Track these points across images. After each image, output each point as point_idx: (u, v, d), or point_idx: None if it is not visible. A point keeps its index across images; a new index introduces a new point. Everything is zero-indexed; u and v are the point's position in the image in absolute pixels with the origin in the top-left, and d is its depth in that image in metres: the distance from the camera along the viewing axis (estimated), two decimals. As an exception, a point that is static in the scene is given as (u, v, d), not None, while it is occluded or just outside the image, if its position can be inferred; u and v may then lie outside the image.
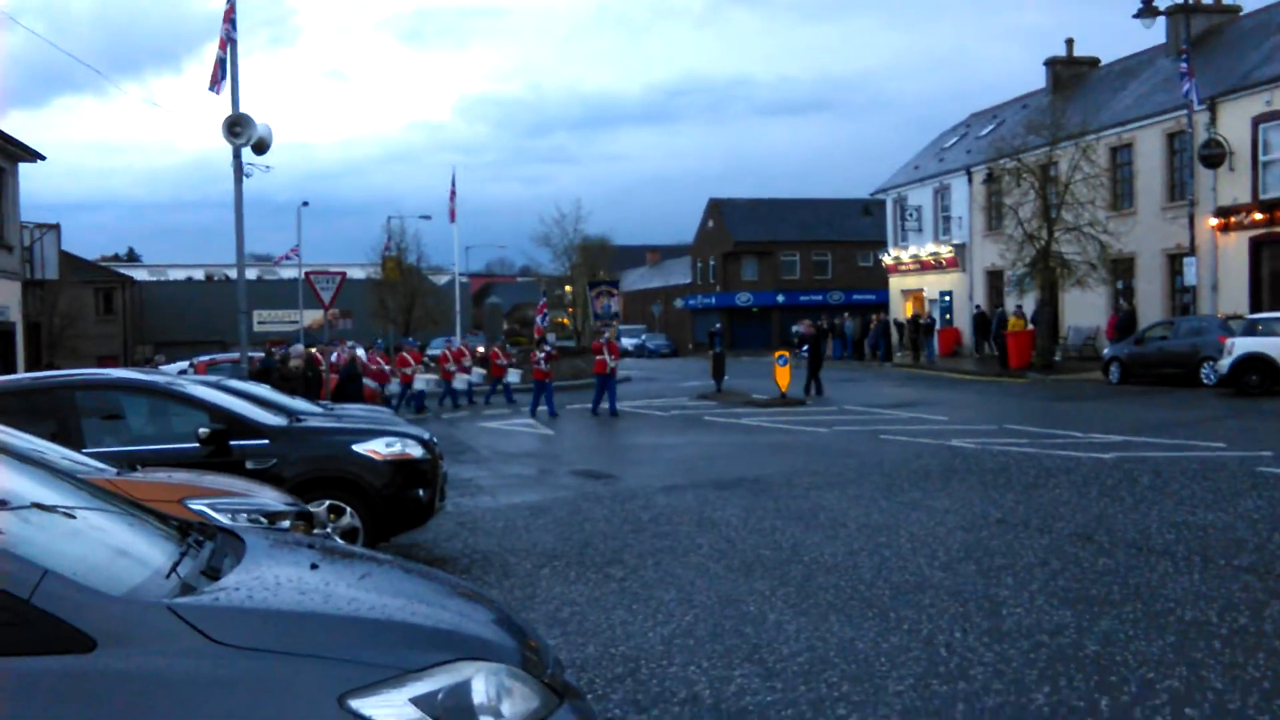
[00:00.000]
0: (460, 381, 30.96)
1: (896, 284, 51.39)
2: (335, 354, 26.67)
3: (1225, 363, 23.09)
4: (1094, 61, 45.14)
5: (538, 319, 38.27)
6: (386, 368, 28.77)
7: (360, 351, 28.82)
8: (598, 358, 26.10)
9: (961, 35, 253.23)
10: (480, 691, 3.21)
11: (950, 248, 45.50)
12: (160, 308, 68.94)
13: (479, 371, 32.56)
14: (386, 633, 3.29)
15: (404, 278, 56.19)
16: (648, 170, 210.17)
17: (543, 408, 26.10)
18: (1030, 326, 34.80)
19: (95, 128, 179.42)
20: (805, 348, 31.28)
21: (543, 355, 27.18)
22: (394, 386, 29.04)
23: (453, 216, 46.54)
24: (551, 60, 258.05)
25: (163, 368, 26.54)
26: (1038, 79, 47.11)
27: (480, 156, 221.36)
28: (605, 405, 25.30)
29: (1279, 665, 5.95)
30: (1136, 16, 30.65)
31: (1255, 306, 29.20)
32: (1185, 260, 30.84)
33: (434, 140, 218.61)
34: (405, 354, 30.30)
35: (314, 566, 3.93)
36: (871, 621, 7.15)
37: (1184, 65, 30.19)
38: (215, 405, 9.65)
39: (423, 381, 29.91)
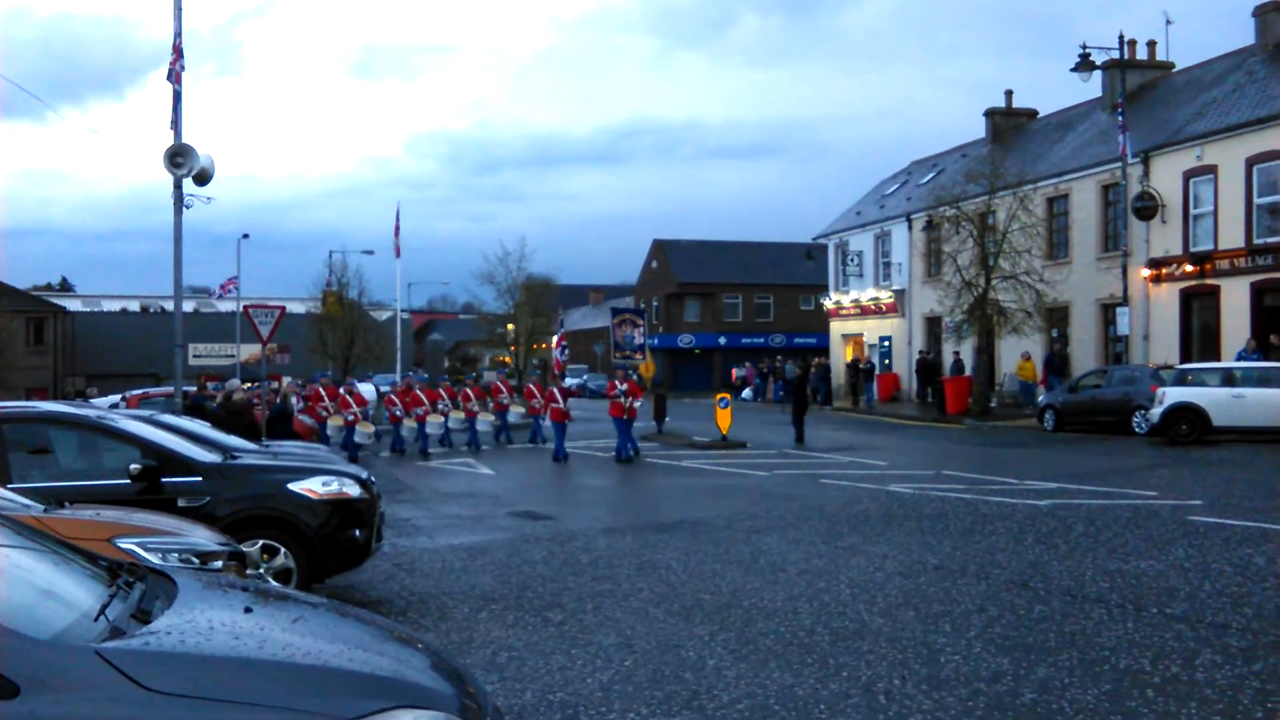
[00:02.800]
0: (482, 422, 28.20)
1: (837, 328, 51.86)
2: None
3: (1156, 412, 23.51)
4: (1032, 113, 46.14)
5: (556, 353, 34.72)
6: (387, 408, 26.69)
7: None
8: (612, 399, 23.49)
9: (905, 84, 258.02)
10: (417, 741, 3.15)
11: (890, 293, 46.05)
12: (93, 339, 67.83)
13: (517, 411, 29.67)
14: (322, 680, 3.23)
15: (345, 313, 55.73)
16: (595, 210, 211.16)
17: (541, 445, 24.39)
18: (1040, 370, 34.72)
19: (33, 154, 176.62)
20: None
21: (561, 393, 24.80)
22: (410, 423, 27.06)
23: (398, 252, 46.33)
24: (501, 98, 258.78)
25: (94, 401, 26.06)
26: (978, 129, 48.14)
27: (429, 192, 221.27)
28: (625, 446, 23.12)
29: (1211, 714, 6.01)
30: (1074, 70, 31.35)
31: (1185, 357, 29.83)
32: (1118, 310, 31.45)
33: (383, 175, 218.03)
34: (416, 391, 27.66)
35: (248, 610, 3.86)
36: (811, 668, 7.13)
37: (1119, 119, 30.95)
38: (147, 441, 9.46)
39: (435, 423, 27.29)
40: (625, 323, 34.00)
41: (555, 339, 36.71)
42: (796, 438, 26.80)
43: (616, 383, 23.81)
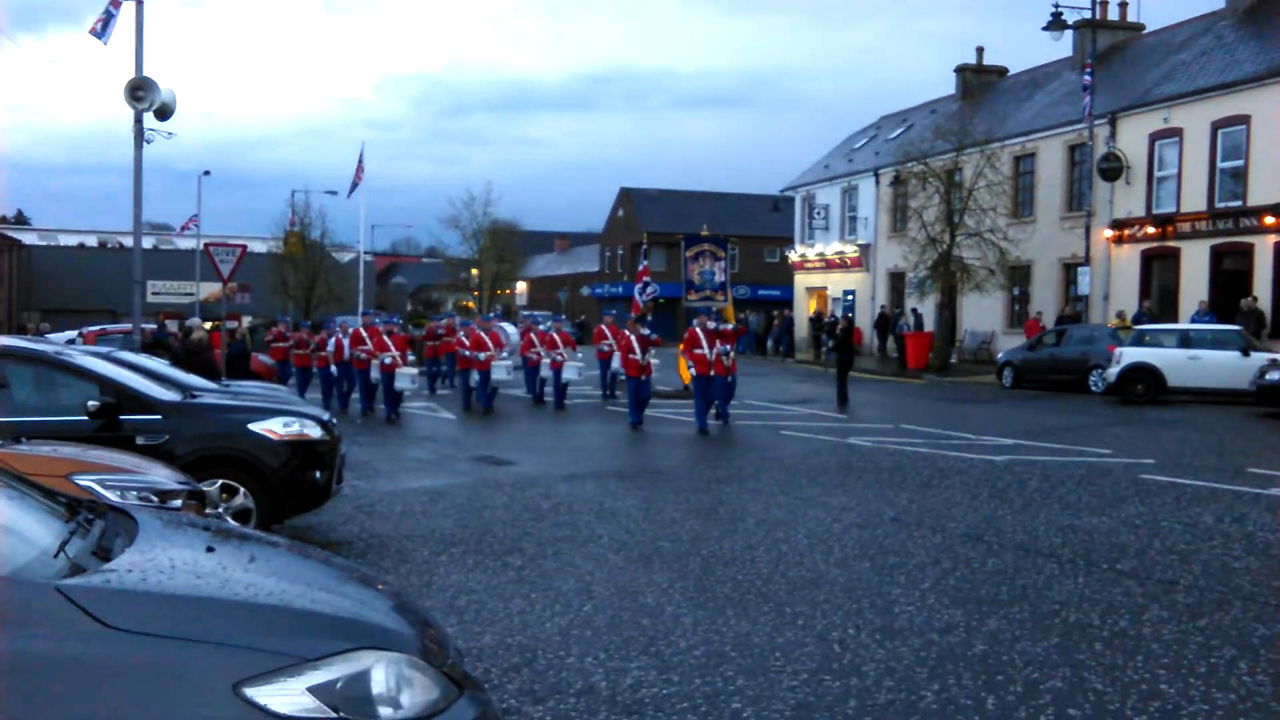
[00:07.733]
0: (570, 370, 23.75)
1: (802, 281, 51.99)
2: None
3: (1113, 371, 23.83)
4: (1002, 71, 46.16)
5: (636, 291, 27.35)
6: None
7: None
8: (696, 351, 18.50)
9: (878, 38, 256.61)
10: (380, 682, 3.18)
11: (855, 248, 46.17)
12: (49, 274, 66.68)
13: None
14: (284, 620, 3.24)
15: (306, 253, 55.20)
16: (564, 156, 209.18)
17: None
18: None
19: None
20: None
21: (640, 341, 19.92)
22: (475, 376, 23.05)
23: (350, 193, 45.79)
24: (473, 41, 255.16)
25: (49, 337, 25.69)
26: (948, 85, 48.24)
27: (396, 134, 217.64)
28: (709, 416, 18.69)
29: (1157, 668, 6.15)
30: (1046, 29, 31.34)
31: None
32: (1080, 270, 31.72)
33: (350, 115, 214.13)
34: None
35: (210, 549, 3.85)
36: (767, 616, 7.22)
37: (1087, 79, 31.04)
38: (105, 377, 9.35)
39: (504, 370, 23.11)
40: (703, 254, 26.74)
41: (638, 272, 28.90)
42: (840, 399, 23.47)
43: (697, 330, 18.73)
